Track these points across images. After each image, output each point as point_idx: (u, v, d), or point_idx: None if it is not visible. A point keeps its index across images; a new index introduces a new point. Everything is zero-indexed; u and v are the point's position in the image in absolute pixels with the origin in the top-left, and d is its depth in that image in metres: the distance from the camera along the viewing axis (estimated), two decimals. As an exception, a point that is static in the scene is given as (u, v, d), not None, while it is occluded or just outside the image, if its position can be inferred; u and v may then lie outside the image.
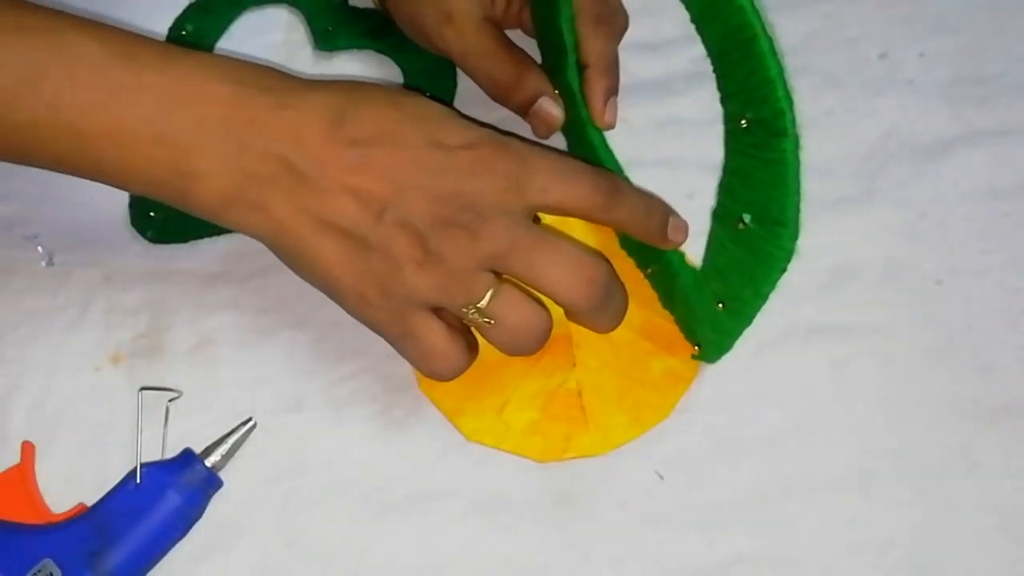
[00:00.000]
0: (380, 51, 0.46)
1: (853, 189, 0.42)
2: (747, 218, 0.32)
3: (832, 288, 0.40)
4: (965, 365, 0.39)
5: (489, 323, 0.34)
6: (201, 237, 0.41)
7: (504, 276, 0.34)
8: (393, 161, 0.33)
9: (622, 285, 0.36)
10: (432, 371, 0.35)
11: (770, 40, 0.29)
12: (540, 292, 0.34)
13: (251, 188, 0.33)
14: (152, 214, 0.41)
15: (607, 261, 0.35)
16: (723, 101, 0.32)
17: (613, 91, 0.41)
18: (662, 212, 0.37)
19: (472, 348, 0.36)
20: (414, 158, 0.33)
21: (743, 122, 0.31)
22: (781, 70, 0.29)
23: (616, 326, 0.37)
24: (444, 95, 0.44)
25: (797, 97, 0.44)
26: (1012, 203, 0.42)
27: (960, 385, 0.38)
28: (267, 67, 0.35)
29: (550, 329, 0.35)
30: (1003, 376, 0.38)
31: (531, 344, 0.35)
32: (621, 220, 0.36)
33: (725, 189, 0.33)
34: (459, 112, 0.36)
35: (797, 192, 0.30)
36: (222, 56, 0.34)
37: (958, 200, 0.42)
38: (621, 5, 0.43)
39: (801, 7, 0.46)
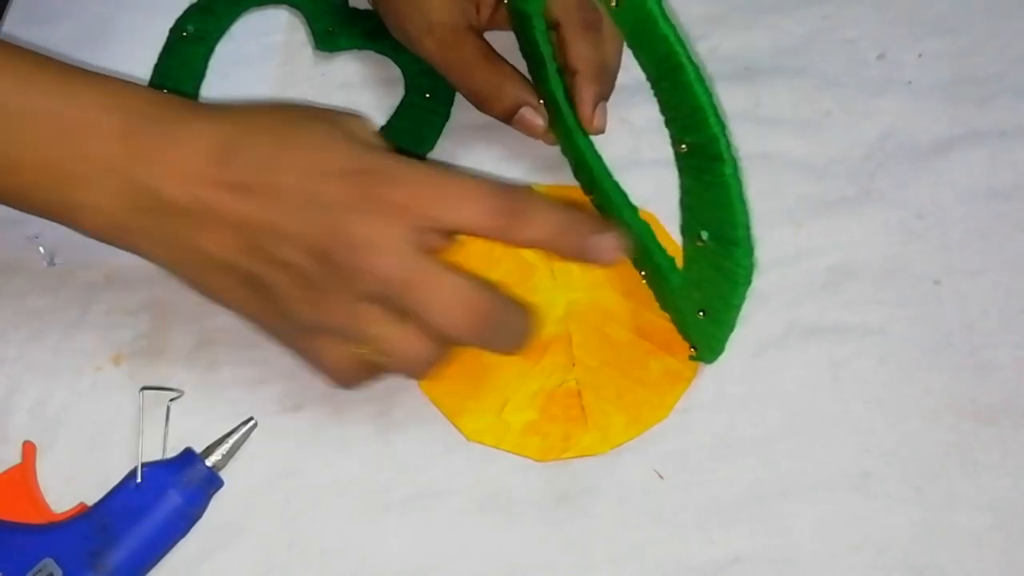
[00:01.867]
0: (380, 52, 0.46)
1: (851, 189, 0.43)
2: (705, 235, 0.33)
3: (831, 288, 0.40)
4: (963, 365, 0.39)
5: (379, 357, 0.33)
6: None
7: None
8: (272, 198, 0.32)
9: (519, 309, 0.35)
10: (340, 385, 0.35)
11: (696, 68, 0.29)
12: (427, 325, 0.33)
13: (137, 220, 0.33)
14: None
15: (495, 292, 0.34)
16: (666, 124, 0.32)
17: (603, 96, 0.41)
18: (580, 232, 0.34)
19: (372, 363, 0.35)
20: (293, 193, 0.32)
21: (683, 146, 0.31)
22: (710, 96, 0.29)
23: (517, 350, 0.35)
24: (444, 96, 0.44)
25: (796, 97, 0.45)
26: (1010, 203, 0.42)
27: (958, 384, 0.38)
28: (159, 94, 0.34)
29: (441, 356, 0.34)
30: (1001, 375, 0.39)
31: (421, 372, 0.34)
32: (531, 241, 0.34)
33: (684, 206, 0.34)
34: (364, 128, 0.35)
35: (744, 213, 0.31)
36: (118, 81, 0.34)
37: (956, 200, 0.42)
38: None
39: (800, 8, 0.47)
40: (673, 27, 0.29)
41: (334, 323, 0.33)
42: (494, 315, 0.33)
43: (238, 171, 0.32)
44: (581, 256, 0.34)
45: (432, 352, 0.34)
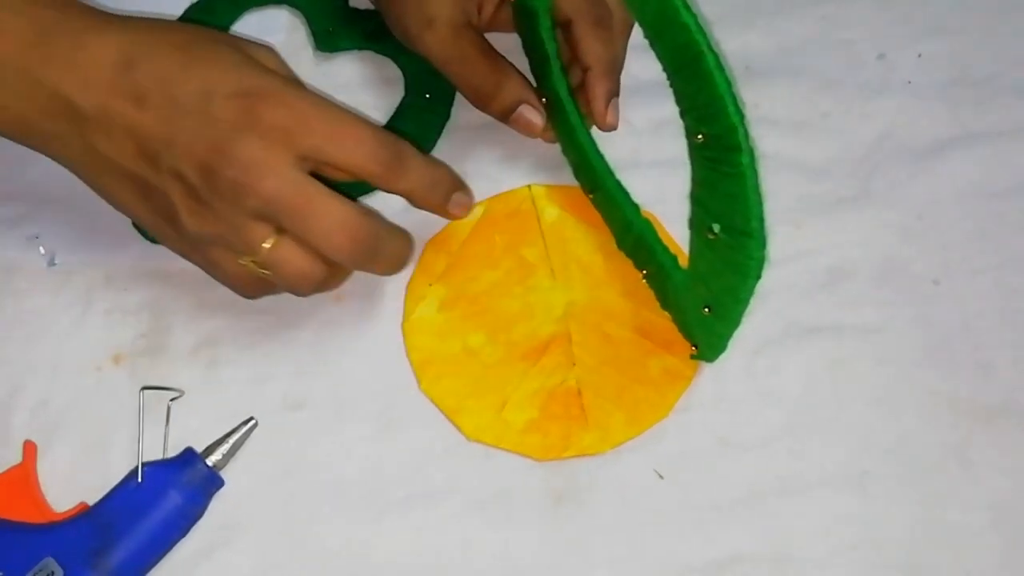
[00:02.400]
0: (380, 52, 0.46)
1: (850, 190, 0.43)
2: (716, 228, 0.33)
3: (829, 288, 0.41)
4: (961, 364, 0.39)
5: (265, 272, 0.35)
6: None
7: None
8: (168, 109, 0.33)
9: (397, 234, 0.37)
10: (241, 294, 0.37)
11: (716, 57, 0.29)
12: (309, 246, 0.34)
13: (44, 123, 0.34)
14: None
15: (374, 216, 0.35)
16: (682, 116, 0.32)
17: (614, 93, 0.41)
18: (446, 186, 0.38)
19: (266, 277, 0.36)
20: (189, 107, 0.33)
21: (699, 137, 0.31)
22: (729, 86, 0.29)
23: (393, 271, 0.38)
24: (444, 96, 0.44)
25: (796, 97, 0.45)
26: (1008, 203, 0.42)
27: (956, 384, 0.39)
28: (71, 1, 0.35)
29: (327, 277, 0.35)
30: (999, 375, 0.39)
31: (307, 289, 0.36)
32: (401, 190, 0.36)
33: (695, 199, 0.34)
34: (270, 56, 0.36)
35: (759, 204, 0.31)
36: None
37: (954, 200, 0.42)
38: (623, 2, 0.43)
39: (799, 8, 0.47)
40: (694, 16, 0.29)
41: (222, 237, 0.34)
42: (372, 240, 0.35)
43: (139, 80, 0.33)
44: (441, 208, 0.38)
45: (317, 271, 0.35)
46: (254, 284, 0.36)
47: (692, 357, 0.39)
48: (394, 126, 0.44)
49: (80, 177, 0.36)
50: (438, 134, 0.44)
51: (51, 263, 0.41)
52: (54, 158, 0.36)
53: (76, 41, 0.33)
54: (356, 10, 0.47)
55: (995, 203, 0.42)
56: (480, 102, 0.42)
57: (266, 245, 0.34)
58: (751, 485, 0.37)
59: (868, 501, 0.37)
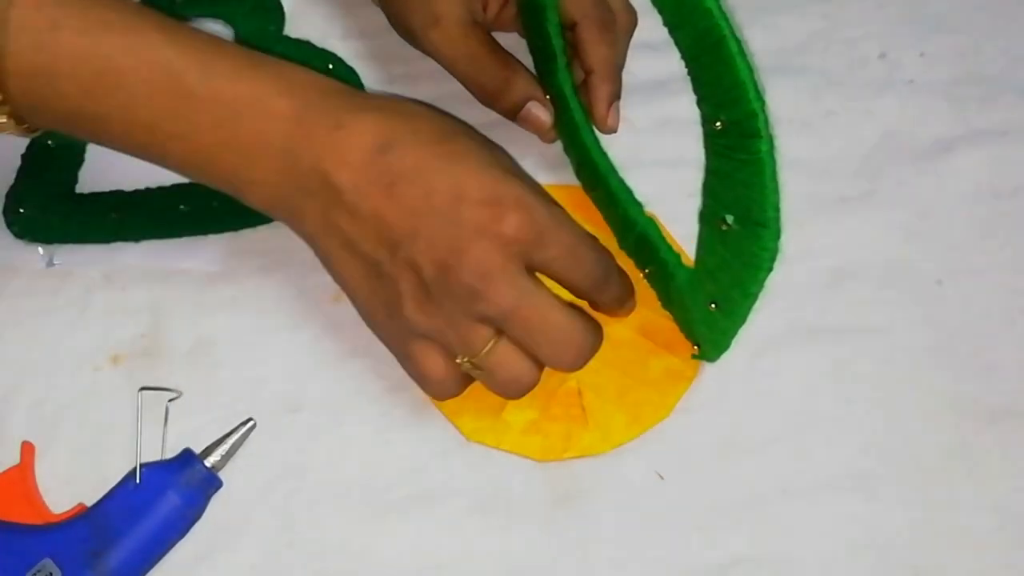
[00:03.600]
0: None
1: (853, 189, 0.43)
2: (730, 219, 0.32)
3: (832, 288, 0.40)
4: (965, 365, 0.39)
5: (480, 373, 0.35)
6: (63, 243, 0.41)
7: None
8: (417, 201, 0.33)
9: (599, 336, 0.36)
10: (428, 392, 0.37)
11: (739, 42, 0.29)
12: (530, 353, 0.35)
13: (295, 198, 0.35)
14: (21, 211, 0.41)
15: (598, 327, 0.36)
16: (699, 104, 0.32)
17: (616, 96, 0.41)
18: (630, 300, 0.39)
19: (469, 377, 0.36)
20: (437, 203, 0.33)
21: (718, 124, 0.31)
22: (751, 72, 0.29)
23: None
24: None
25: (798, 96, 0.45)
26: (1011, 203, 0.42)
27: (960, 385, 0.39)
28: (333, 82, 0.36)
29: (537, 382, 0.36)
30: (1003, 376, 0.39)
31: (519, 394, 0.36)
32: (596, 304, 0.38)
33: (708, 190, 0.33)
34: (508, 157, 0.37)
35: (775, 192, 0.30)
36: (292, 67, 0.35)
37: (958, 200, 0.42)
38: (628, 3, 0.43)
39: (801, 7, 0.47)
40: (717, 1, 0.29)
41: (444, 334, 0.34)
42: (595, 351, 0.36)
43: (394, 166, 0.34)
44: (611, 315, 0.39)
45: (533, 375, 0.35)
46: (454, 384, 0.36)
47: (694, 357, 0.39)
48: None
49: (313, 246, 0.36)
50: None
51: (50, 263, 0.41)
52: (293, 228, 0.36)
53: (337, 121, 0.34)
54: (289, 40, 0.46)
55: (1000, 203, 0.42)
56: (488, 100, 0.42)
57: (489, 348, 0.34)
58: (752, 486, 0.37)
59: (871, 502, 0.37)
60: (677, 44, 0.31)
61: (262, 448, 0.38)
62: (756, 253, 0.32)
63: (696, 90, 0.32)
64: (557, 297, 0.34)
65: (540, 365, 0.35)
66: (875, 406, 0.38)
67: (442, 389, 0.36)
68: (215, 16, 0.46)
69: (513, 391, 0.36)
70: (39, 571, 0.34)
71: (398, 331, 0.35)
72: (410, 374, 0.36)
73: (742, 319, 0.35)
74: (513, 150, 0.43)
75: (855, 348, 0.39)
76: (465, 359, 0.35)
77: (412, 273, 0.34)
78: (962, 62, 0.45)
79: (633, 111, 0.43)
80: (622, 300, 0.38)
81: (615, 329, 0.39)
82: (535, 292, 0.34)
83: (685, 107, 0.43)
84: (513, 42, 0.43)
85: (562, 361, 0.35)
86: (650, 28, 0.44)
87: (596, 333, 0.36)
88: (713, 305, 0.35)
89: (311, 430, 0.38)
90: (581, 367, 0.36)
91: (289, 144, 0.34)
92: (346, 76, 0.45)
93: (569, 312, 0.35)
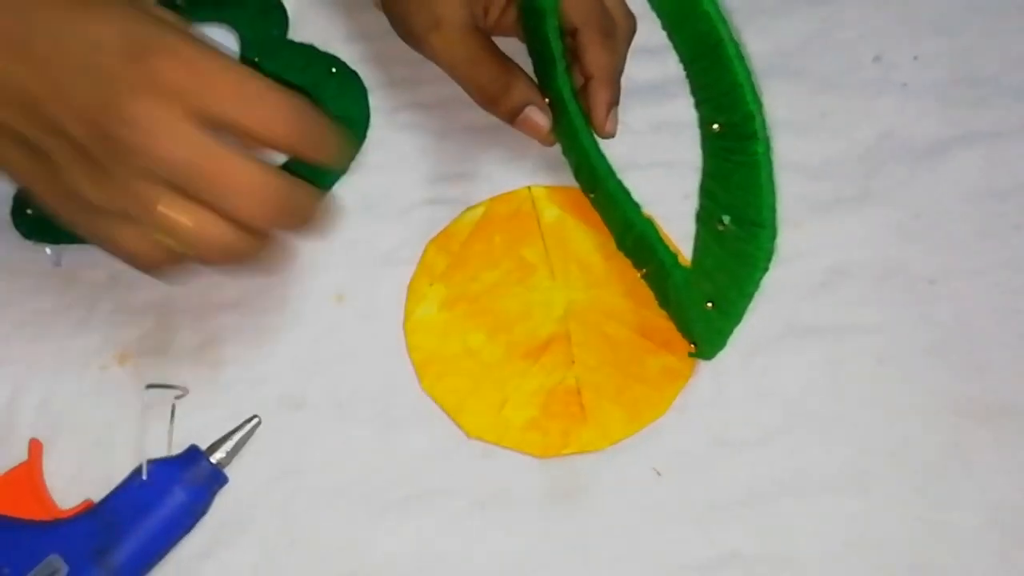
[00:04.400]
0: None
1: (849, 190, 0.43)
2: (726, 219, 0.33)
3: (828, 288, 0.41)
4: (960, 364, 0.39)
5: (169, 238, 0.32)
6: (71, 243, 0.41)
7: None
8: (52, 60, 0.30)
9: (308, 190, 0.33)
10: (143, 270, 0.33)
11: (736, 45, 0.29)
12: (215, 208, 0.31)
13: None
14: (28, 211, 0.42)
15: (286, 175, 0.32)
16: (697, 106, 0.32)
17: (615, 102, 0.41)
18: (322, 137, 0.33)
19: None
20: (79, 60, 0.30)
21: (715, 126, 0.31)
22: (749, 74, 0.29)
23: (308, 231, 0.34)
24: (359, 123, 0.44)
25: (794, 98, 0.45)
26: (1006, 204, 0.42)
27: (955, 384, 0.39)
28: None
29: (243, 242, 0.32)
30: (998, 375, 0.39)
31: (225, 259, 0.32)
32: (307, 156, 0.33)
33: (705, 191, 0.34)
34: (156, 7, 0.33)
35: (772, 193, 0.31)
36: None
37: (953, 201, 0.42)
38: (627, 9, 0.43)
39: (797, 10, 0.47)
40: (715, 3, 0.29)
41: (119, 204, 0.31)
42: (290, 199, 0.32)
43: (25, 29, 0.31)
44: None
45: (231, 237, 0.32)
46: (159, 258, 0.33)
47: (690, 355, 0.39)
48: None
49: None
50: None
51: (56, 263, 0.42)
52: None
53: None
54: (292, 44, 0.46)
55: (994, 203, 0.42)
56: (488, 103, 0.42)
57: (170, 213, 0.31)
58: (749, 484, 0.37)
59: (867, 501, 0.37)
60: (675, 47, 0.32)
61: (265, 446, 0.38)
62: (752, 253, 0.32)
63: (694, 93, 0.32)
64: (247, 152, 0.31)
65: (239, 224, 0.31)
66: (870, 404, 0.38)
67: (149, 262, 0.33)
68: (219, 20, 0.46)
69: (216, 255, 0.32)
70: (46, 567, 0.34)
71: (81, 211, 0.32)
72: (115, 256, 0.33)
73: (738, 318, 0.35)
74: (512, 151, 0.44)
75: (851, 347, 0.39)
76: (154, 231, 0.31)
77: (63, 140, 0.30)
78: (957, 64, 0.45)
79: (631, 114, 0.43)
80: (337, 143, 0.33)
81: (614, 328, 0.40)
82: (210, 144, 0.30)
83: (682, 110, 0.43)
84: (513, 47, 0.43)
85: (255, 211, 0.31)
86: (648, 32, 0.45)
87: (298, 186, 0.32)
88: (710, 304, 0.36)
89: (313, 428, 0.38)
90: (279, 219, 0.32)
91: None
92: (350, 79, 0.45)
93: (259, 163, 0.31)
